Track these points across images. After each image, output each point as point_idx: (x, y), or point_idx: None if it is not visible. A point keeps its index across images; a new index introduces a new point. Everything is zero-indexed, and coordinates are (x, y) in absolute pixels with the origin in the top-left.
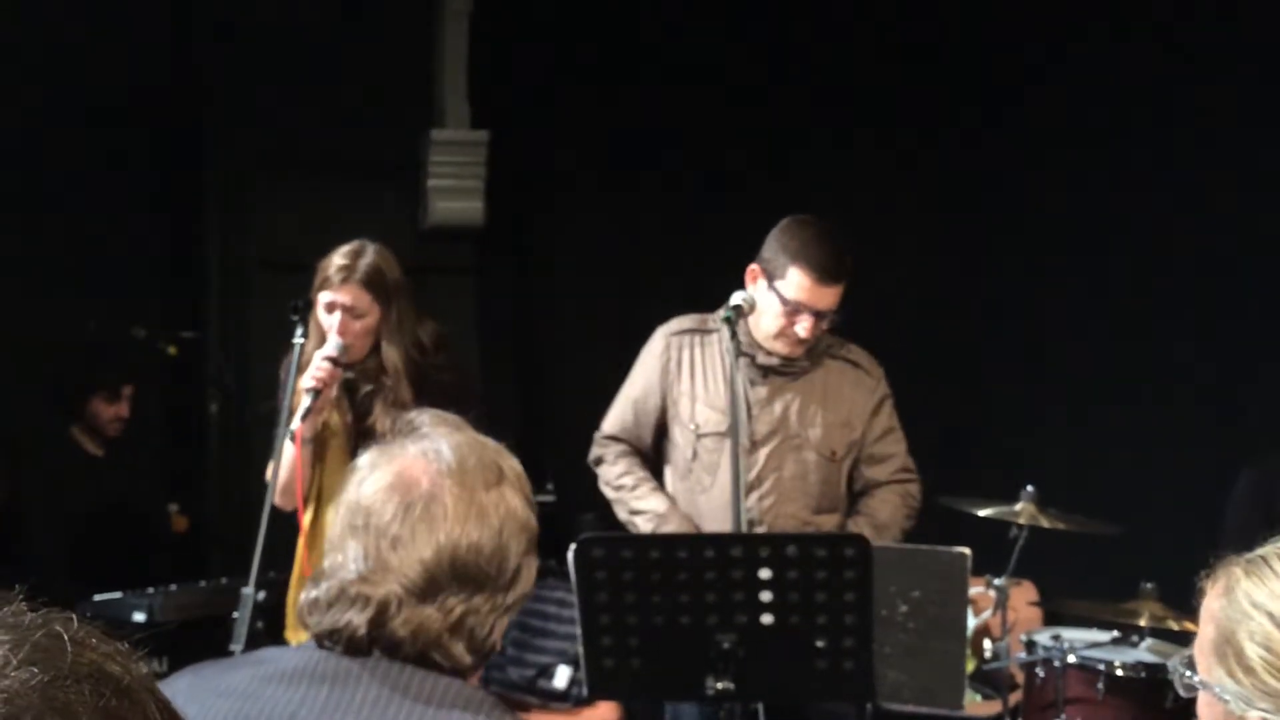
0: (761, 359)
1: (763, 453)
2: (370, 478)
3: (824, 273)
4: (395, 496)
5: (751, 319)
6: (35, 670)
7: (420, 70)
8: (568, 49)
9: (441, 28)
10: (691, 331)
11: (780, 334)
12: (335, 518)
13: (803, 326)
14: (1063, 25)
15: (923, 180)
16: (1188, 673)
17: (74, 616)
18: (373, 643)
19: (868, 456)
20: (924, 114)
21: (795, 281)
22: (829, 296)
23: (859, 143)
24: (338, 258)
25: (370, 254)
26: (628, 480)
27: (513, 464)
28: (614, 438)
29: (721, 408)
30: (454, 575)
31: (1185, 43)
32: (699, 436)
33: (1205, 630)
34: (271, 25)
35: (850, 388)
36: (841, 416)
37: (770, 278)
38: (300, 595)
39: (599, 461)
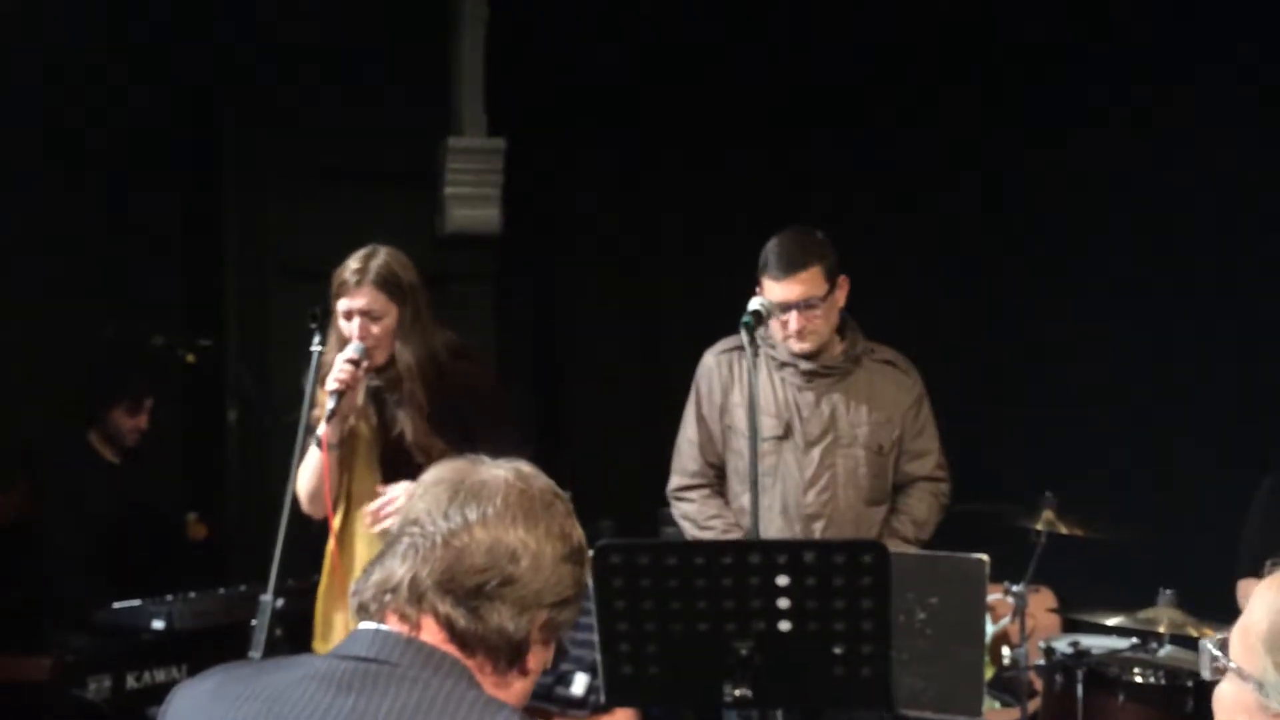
0: (804, 365)
1: (816, 452)
2: None
3: (779, 268)
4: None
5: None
6: None
7: (437, 78)
8: (584, 56)
9: (458, 35)
10: (736, 349)
11: (785, 337)
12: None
13: (791, 322)
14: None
15: (934, 181)
16: (1220, 655)
17: None
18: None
19: (907, 452)
20: (930, 114)
21: (766, 285)
22: (795, 288)
23: (872, 145)
24: (351, 263)
25: (382, 255)
26: (718, 524)
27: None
28: (689, 486)
29: (774, 413)
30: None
31: (1192, 45)
32: (760, 441)
33: (1256, 621)
34: (290, 33)
35: (891, 386)
36: (885, 414)
37: (759, 291)
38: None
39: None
